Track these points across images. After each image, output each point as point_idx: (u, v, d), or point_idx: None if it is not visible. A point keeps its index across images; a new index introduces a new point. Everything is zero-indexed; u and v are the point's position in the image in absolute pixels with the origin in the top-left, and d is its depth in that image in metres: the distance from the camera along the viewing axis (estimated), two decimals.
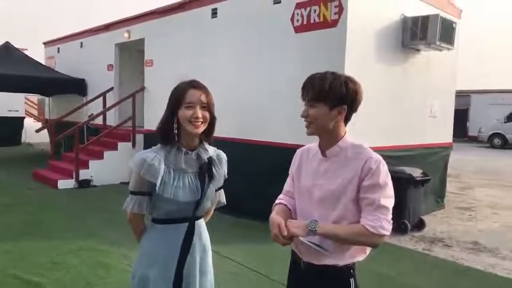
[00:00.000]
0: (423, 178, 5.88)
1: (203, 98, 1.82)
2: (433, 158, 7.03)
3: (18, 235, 5.07)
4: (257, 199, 5.96)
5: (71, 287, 3.73)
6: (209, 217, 2.13)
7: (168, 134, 1.83)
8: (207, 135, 1.88)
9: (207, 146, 1.92)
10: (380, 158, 1.67)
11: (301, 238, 1.63)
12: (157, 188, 1.77)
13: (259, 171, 6.09)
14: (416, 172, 5.87)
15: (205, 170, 1.88)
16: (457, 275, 4.38)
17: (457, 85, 7.77)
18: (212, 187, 1.90)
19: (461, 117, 21.04)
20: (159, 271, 1.83)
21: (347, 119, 1.71)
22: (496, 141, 21.14)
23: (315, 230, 1.59)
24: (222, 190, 2.06)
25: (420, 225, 5.94)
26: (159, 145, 1.87)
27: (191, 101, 1.79)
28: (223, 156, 2.01)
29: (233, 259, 4.52)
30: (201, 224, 1.96)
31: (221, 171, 1.97)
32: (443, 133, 7.40)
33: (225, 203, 2.07)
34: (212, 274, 2.04)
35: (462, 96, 20.96)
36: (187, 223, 1.86)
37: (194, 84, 1.84)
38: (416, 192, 5.81)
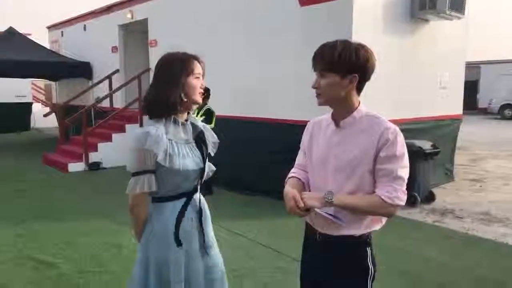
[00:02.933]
0: (433, 150, 5.82)
1: (203, 70, 1.86)
2: (443, 131, 6.94)
3: (31, 218, 5.15)
4: (267, 177, 5.98)
5: (84, 265, 3.79)
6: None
7: (174, 104, 1.76)
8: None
9: (193, 116, 1.94)
10: (397, 128, 1.63)
11: (317, 210, 1.61)
12: (162, 161, 1.72)
13: (268, 149, 6.07)
14: (426, 145, 5.81)
15: (203, 138, 1.91)
16: (468, 246, 4.37)
17: (467, 56, 7.60)
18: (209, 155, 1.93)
19: (471, 89, 20.74)
20: (177, 250, 1.80)
21: (359, 89, 1.66)
22: (507, 112, 20.85)
23: (332, 201, 1.58)
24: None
25: (430, 197, 5.91)
26: (151, 120, 1.80)
27: (199, 71, 1.82)
28: (208, 126, 2.03)
29: (245, 235, 4.55)
30: (201, 195, 1.94)
31: (211, 138, 1.98)
32: (453, 105, 7.27)
33: (215, 168, 2.03)
34: (216, 245, 2.03)
35: (472, 68, 20.56)
36: (193, 196, 1.86)
37: (195, 56, 1.85)
38: (425, 164, 5.76)
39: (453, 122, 7.23)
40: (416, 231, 4.80)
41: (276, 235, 4.55)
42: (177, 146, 1.79)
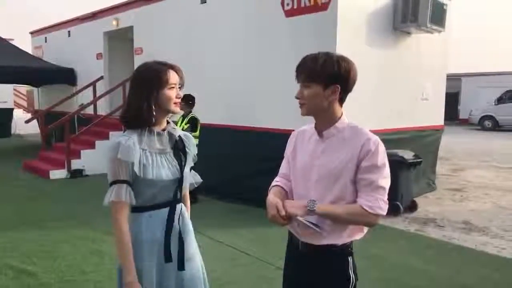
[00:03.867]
0: (415, 160, 5.92)
1: (180, 79, 1.84)
2: (425, 141, 7.08)
3: (11, 226, 5.05)
4: (252, 186, 5.98)
5: (66, 274, 3.72)
6: (188, 204, 2.04)
7: (146, 116, 1.76)
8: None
9: (173, 125, 1.91)
10: (378, 139, 1.67)
11: (299, 218, 1.63)
12: (137, 170, 1.71)
13: (252, 157, 6.09)
14: (408, 155, 5.91)
15: (180, 148, 1.88)
16: (450, 254, 4.44)
17: (448, 68, 7.79)
18: (188, 165, 1.91)
19: (452, 100, 21.23)
20: (149, 260, 1.78)
21: (342, 100, 1.70)
22: (487, 123, 21.32)
23: (314, 209, 1.60)
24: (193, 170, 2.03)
25: (412, 206, 6.00)
26: (127, 131, 1.80)
27: (174, 82, 1.80)
28: (189, 135, 2.01)
29: (228, 244, 4.54)
30: (182, 207, 1.91)
31: (192, 148, 1.96)
32: (435, 116, 7.43)
33: (201, 180, 2.02)
34: (199, 255, 1.98)
35: (453, 80, 21.04)
36: (169, 207, 1.82)
37: (171, 65, 1.83)
38: (408, 174, 5.86)
39: (434, 133, 7.38)
40: (399, 239, 4.86)
41: (260, 244, 4.55)
42: (151, 156, 1.78)
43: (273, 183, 1.87)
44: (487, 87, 23.05)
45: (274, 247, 4.30)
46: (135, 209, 1.80)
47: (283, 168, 1.90)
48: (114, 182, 1.72)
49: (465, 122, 22.97)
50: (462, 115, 24.33)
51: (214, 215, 5.59)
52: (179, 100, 1.84)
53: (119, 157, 1.70)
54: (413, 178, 6.06)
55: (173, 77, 1.80)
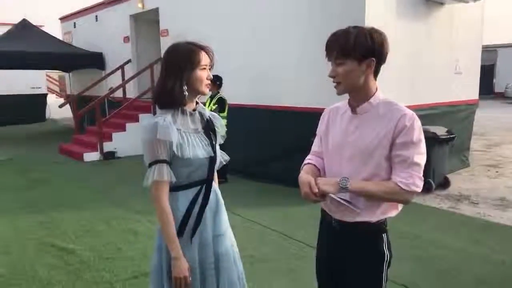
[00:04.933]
0: (448, 136, 5.76)
1: (211, 60, 1.85)
2: (458, 116, 6.86)
3: (50, 207, 5.27)
4: (281, 165, 6.00)
5: (103, 252, 3.88)
6: (217, 182, 2.06)
7: (178, 96, 1.78)
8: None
9: (202, 106, 1.94)
10: (414, 114, 1.62)
11: (332, 195, 1.62)
12: (175, 149, 1.74)
13: (282, 137, 6.08)
14: (441, 131, 5.75)
15: (211, 127, 1.91)
16: (484, 231, 4.34)
17: (483, 40, 7.44)
18: (218, 144, 1.94)
19: (487, 73, 20.35)
20: (189, 238, 1.83)
21: (376, 72, 1.66)
22: None
23: (347, 187, 1.58)
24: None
25: (445, 183, 5.87)
26: (160, 111, 1.82)
27: (206, 63, 1.82)
28: (217, 115, 2.03)
29: (258, 222, 4.59)
30: (215, 185, 1.95)
31: (221, 128, 1.99)
32: (469, 90, 7.16)
33: (229, 158, 2.05)
34: (231, 232, 2.02)
35: (488, 51, 20.13)
36: (205, 184, 1.86)
37: (203, 47, 1.83)
38: (440, 150, 5.71)
39: (468, 107, 7.13)
40: (431, 217, 4.78)
41: (290, 222, 4.58)
42: (186, 135, 1.80)
43: (305, 161, 1.86)
44: None
45: (304, 225, 4.33)
46: (171, 189, 1.82)
47: (316, 146, 1.88)
48: (155, 162, 1.74)
49: (501, 96, 22.05)
50: (498, 88, 23.35)
51: (243, 194, 5.65)
52: (209, 81, 1.85)
53: (158, 137, 1.72)
54: (446, 154, 5.91)
55: (204, 58, 1.81)
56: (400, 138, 1.58)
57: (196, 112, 1.89)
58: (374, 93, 1.66)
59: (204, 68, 1.81)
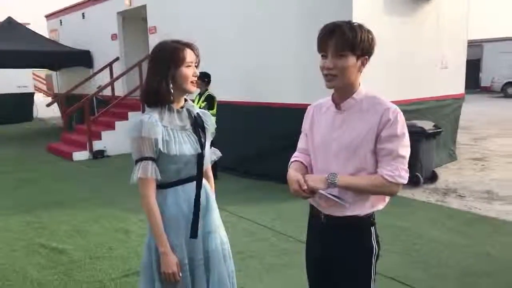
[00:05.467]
0: (435, 130, 5.84)
1: (196, 57, 1.86)
2: (445, 110, 6.95)
3: (39, 207, 5.24)
4: (269, 161, 6.03)
5: (95, 251, 3.87)
6: (212, 180, 2.10)
7: (163, 95, 1.80)
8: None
9: (191, 103, 1.96)
10: (397, 108, 1.65)
11: (321, 191, 1.64)
12: (160, 147, 1.76)
13: (270, 133, 6.10)
14: (428, 125, 5.83)
15: (199, 124, 1.93)
16: (471, 224, 4.42)
17: (469, 35, 7.54)
18: (208, 141, 1.96)
19: (473, 68, 20.60)
20: (178, 235, 1.85)
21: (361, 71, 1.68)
22: (510, 90, 20.71)
23: (335, 182, 1.61)
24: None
25: (433, 177, 5.96)
26: (148, 109, 1.85)
27: (191, 60, 1.83)
28: (207, 112, 2.05)
29: (249, 218, 4.62)
30: (205, 182, 1.97)
31: (211, 124, 2.01)
32: (455, 85, 7.25)
33: (221, 154, 2.08)
34: (223, 230, 2.05)
35: (474, 46, 20.37)
36: (194, 181, 1.88)
37: (188, 44, 1.85)
38: (428, 145, 5.79)
39: (455, 102, 7.22)
40: (420, 211, 4.86)
41: (280, 218, 4.61)
42: (172, 132, 1.82)
43: (292, 159, 1.89)
44: (509, 52, 22.23)
45: (294, 220, 4.36)
46: (159, 186, 1.84)
47: (301, 143, 1.91)
48: (140, 160, 1.77)
49: (487, 90, 22.36)
50: (484, 82, 23.65)
51: (233, 191, 5.68)
52: (195, 79, 1.86)
53: (143, 135, 1.75)
54: (434, 148, 5.99)
55: (189, 55, 1.82)
56: (384, 132, 1.62)
57: (184, 109, 1.90)
58: (357, 89, 1.69)
59: (190, 66, 1.82)
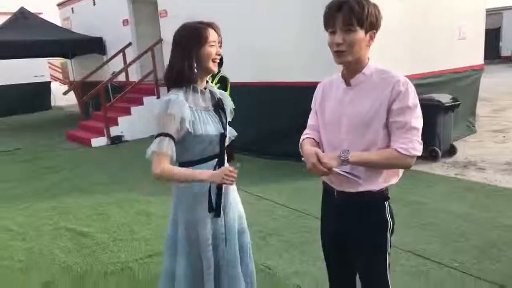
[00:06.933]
0: (453, 103, 5.73)
1: (219, 37, 1.89)
2: (463, 82, 6.80)
3: (62, 192, 5.38)
4: (283, 140, 6.03)
5: (117, 234, 3.98)
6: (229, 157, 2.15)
7: (188, 74, 1.83)
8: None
9: (211, 84, 2.00)
10: (407, 79, 1.64)
11: (335, 169, 1.64)
12: (187, 126, 1.79)
13: (280, 112, 6.08)
14: (445, 98, 5.72)
15: (221, 105, 1.98)
16: (491, 196, 4.37)
17: (487, 2, 7.29)
18: (227, 121, 2.01)
19: (492, 37, 19.96)
20: (202, 211, 1.91)
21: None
22: None
23: (347, 159, 1.61)
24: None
25: (451, 151, 5.88)
26: (172, 89, 1.87)
27: (214, 39, 1.86)
28: (224, 92, 2.09)
29: (265, 197, 4.67)
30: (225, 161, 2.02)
31: (229, 104, 2.06)
32: (474, 55, 7.06)
33: (236, 134, 2.11)
34: (240, 205, 2.12)
35: (493, 14, 19.69)
36: (217, 159, 1.93)
37: (210, 24, 1.88)
38: (445, 118, 5.69)
39: (473, 73, 7.05)
40: (438, 185, 4.82)
41: (296, 196, 4.64)
42: (197, 113, 1.86)
43: (303, 136, 1.89)
44: None
45: (311, 198, 4.38)
46: (183, 164, 1.89)
47: (312, 120, 1.90)
48: (159, 135, 1.80)
49: (508, 60, 21.68)
50: (504, 52, 22.92)
51: (249, 171, 5.71)
52: (218, 58, 1.88)
53: (169, 112, 1.77)
54: (452, 121, 5.89)
55: (212, 34, 1.85)
56: (396, 104, 1.61)
57: (207, 90, 1.94)
58: (366, 64, 1.67)
59: (213, 45, 1.85)
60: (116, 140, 8.47)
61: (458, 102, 5.82)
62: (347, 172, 1.67)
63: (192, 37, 1.82)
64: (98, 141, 8.41)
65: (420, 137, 1.64)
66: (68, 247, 3.77)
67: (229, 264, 1.97)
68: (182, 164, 1.90)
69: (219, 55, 1.87)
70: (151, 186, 5.16)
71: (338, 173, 1.66)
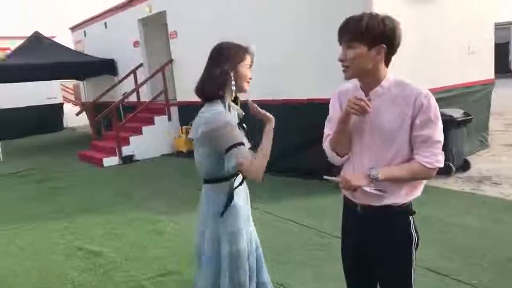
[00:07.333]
0: (465, 118, 5.68)
1: (251, 60, 1.99)
2: (474, 97, 6.75)
3: (74, 212, 5.40)
4: (293, 157, 6.01)
5: (130, 252, 3.97)
6: None
7: (225, 90, 1.89)
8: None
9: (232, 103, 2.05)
10: (429, 91, 1.63)
11: (365, 188, 1.63)
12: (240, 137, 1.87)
13: (293, 130, 6.08)
14: (457, 113, 5.68)
15: (243, 121, 2.04)
16: (507, 211, 4.29)
17: (496, 17, 7.30)
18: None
19: (502, 51, 19.89)
20: (244, 223, 2.00)
21: (387, 61, 1.65)
22: None
23: (377, 177, 1.61)
24: None
25: (465, 166, 5.80)
26: (209, 103, 1.90)
27: (249, 62, 1.95)
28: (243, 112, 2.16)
29: (277, 215, 4.62)
30: None
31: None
32: (484, 70, 7.03)
33: None
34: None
35: (502, 29, 19.68)
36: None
37: (247, 48, 1.96)
38: (458, 133, 5.64)
39: (484, 88, 7.01)
40: (453, 200, 4.74)
41: (311, 214, 4.59)
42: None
43: (326, 138, 1.83)
44: None
45: (325, 215, 4.34)
46: (227, 177, 1.94)
47: (328, 129, 1.84)
48: (235, 145, 1.79)
49: None
50: None
51: (262, 188, 5.67)
52: (250, 80, 1.96)
53: (230, 122, 1.83)
54: (464, 136, 5.83)
55: (249, 57, 1.94)
56: (419, 118, 1.60)
57: (234, 108, 2.01)
58: (383, 77, 1.66)
59: (248, 67, 1.94)
60: (128, 160, 8.52)
61: (470, 117, 5.77)
62: (376, 189, 1.66)
63: (234, 54, 1.90)
64: (110, 161, 8.47)
65: (441, 148, 1.65)
66: (81, 266, 3.76)
67: (254, 272, 2.05)
68: (228, 178, 1.92)
69: (250, 78, 1.96)
70: (163, 206, 5.17)
71: (369, 191, 1.65)
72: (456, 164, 5.63)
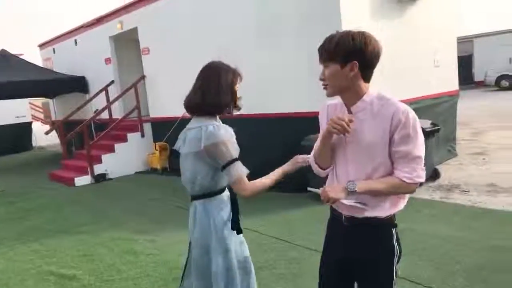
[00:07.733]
0: (433, 128, 5.87)
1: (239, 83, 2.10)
2: (441, 108, 7.00)
3: (45, 234, 5.23)
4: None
5: (104, 275, 3.86)
6: None
7: (222, 108, 2.00)
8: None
9: None
10: (407, 107, 1.65)
11: (343, 201, 1.66)
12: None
13: (272, 143, 6.12)
14: (425, 124, 5.86)
15: None
16: (477, 218, 4.43)
17: (458, 31, 7.64)
18: None
19: (466, 64, 20.74)
20: (233, 236, 2.06)
21: (366, 77, 1.67)
22: (504, 82, 20.86)
23: (355, 190, 1.63)
24: None
25: (435, 175, 5.98)
26: (210, 119, 1.98)
27: (239, 82, 2.08)
28: None
29: (255, 229, 4.61)
30: None
31: None
32: (449, 82, 7.33)
33: None
34: None
35: (464, 43, 20.56)
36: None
37: (237, 70, 2.08)
38: (427, 143, 5.77)
39: (450, 98, 7.29)
40: (424, 209, 4.85)
41: (287, 227, 4.60)
42: None
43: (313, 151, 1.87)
44: (500, 46, 22.46)
45: (301, 229, 4.36)
46: (216, 192, 2.04)
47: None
48: (233, 160, 1.93)
49: (481, 84, 22.50)
50: (478, 77, 23.81)
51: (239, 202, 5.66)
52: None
53: (232, 137, 1.95)
54: (433, 146, 6.02)
55: (239, 78, 2.06)
56: (397, 134, 1.61)
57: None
58: (364, 92, 1.68)
59: (238, 88, 2.05)
60: (100, 178, 8.35)
61: (438, 127, 5.97)
62: (355, 202, 1.68)
63: (231, 77, 2.00)
64: (82, 180, 8.27)
65: (423, 164, 1.66)
66: None
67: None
68: (215, 193, 2.02)
69: (239, 97, 2.07)
70: (138, 224, 5.07)
71: (346, 204, 1.68)
72: (426, 173, 5.76)
